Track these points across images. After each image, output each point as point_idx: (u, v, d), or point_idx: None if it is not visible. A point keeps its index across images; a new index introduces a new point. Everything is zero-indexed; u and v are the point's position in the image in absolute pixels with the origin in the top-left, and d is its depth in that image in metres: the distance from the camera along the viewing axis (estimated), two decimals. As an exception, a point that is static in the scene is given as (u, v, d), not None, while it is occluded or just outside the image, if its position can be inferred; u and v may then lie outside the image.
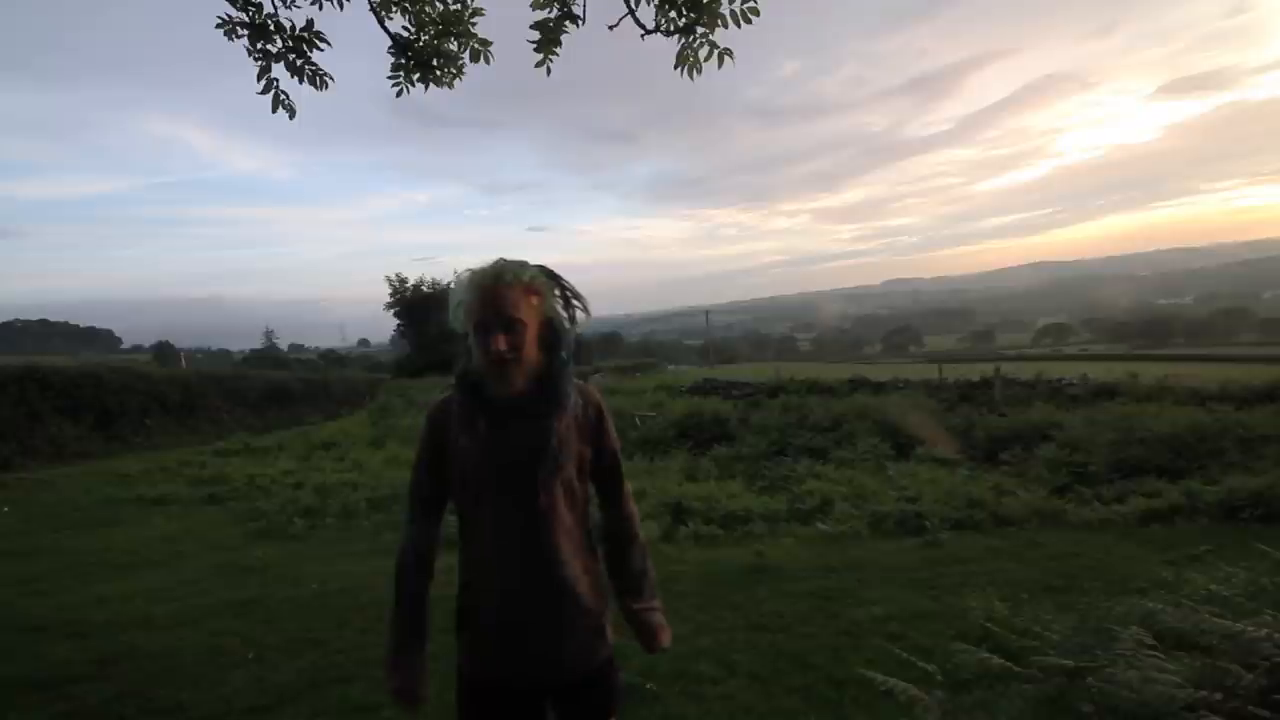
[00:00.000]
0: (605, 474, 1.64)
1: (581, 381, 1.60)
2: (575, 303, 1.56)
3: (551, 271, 1.55)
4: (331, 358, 59.82)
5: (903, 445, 9.31)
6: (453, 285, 1.55)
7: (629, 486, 1.71)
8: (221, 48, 3.20)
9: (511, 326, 1.45)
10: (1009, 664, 2.06)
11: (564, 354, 1.51)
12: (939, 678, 2.32)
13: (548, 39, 3.05)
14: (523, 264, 1.50)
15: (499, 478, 1.49)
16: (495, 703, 1.53)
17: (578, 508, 1.57)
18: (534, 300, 1.48)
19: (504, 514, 1.49)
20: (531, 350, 1.48)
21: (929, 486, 7.24)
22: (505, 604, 1.50)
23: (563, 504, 1.52)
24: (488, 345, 1.44)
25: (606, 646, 1.58)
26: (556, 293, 1.53)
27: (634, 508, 1.72)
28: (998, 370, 11.86)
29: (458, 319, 1.50)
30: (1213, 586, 2.38)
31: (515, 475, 1.48)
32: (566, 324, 1.54)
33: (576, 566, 1.53)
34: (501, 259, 1.50)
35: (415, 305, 26.74)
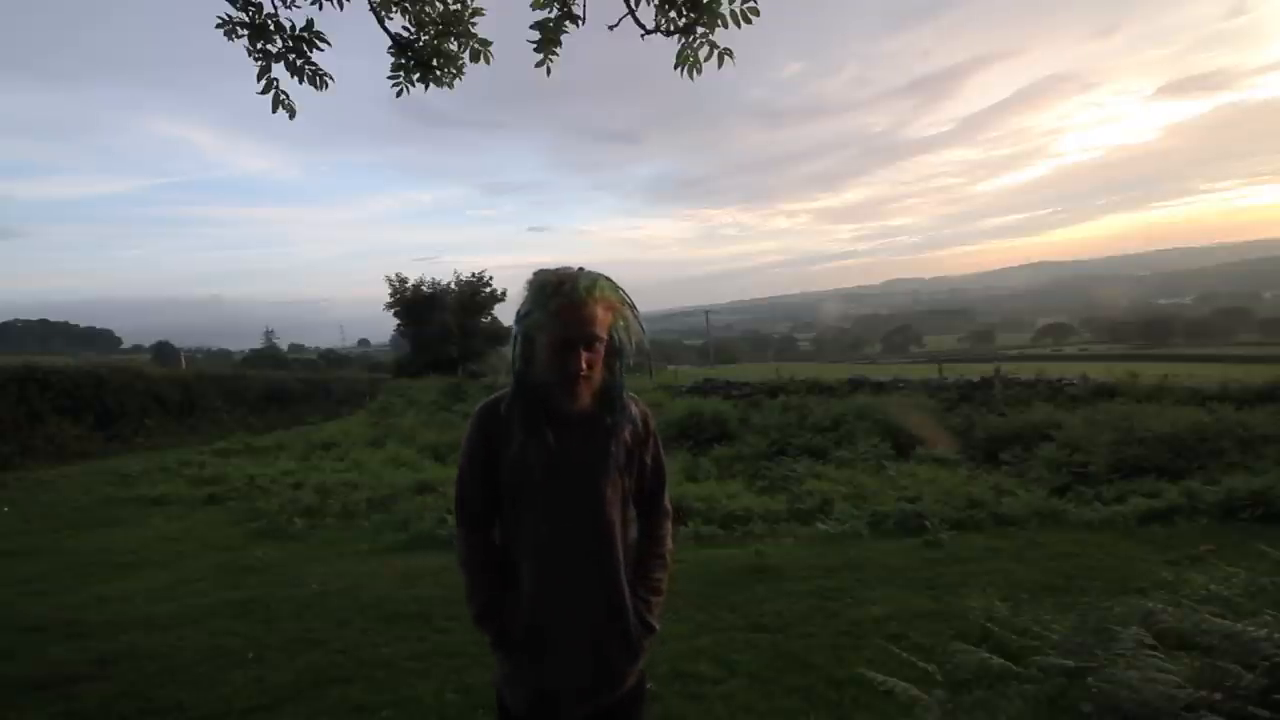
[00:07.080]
0: (650, 485, 1.61)
1: (633, 394, 1.57)
2: (635, 319, 1.52)
3: (615, 284, 1.50)
4: (331, 358, 59.76)
5: (903, 445, 9.32)
6: (525, 287, 1.49)
7: (669, 504, 1.68)
8: (224, 48, 3.19)
9: (593, 345, 1.42)
10: (1009, 664, 2.06)
11: (621, 369, 1.50)
12: (939, 678, 2.32)
13: (548, 39, 3.05)
14: (598, 276, 1.46)
15: (562, 489, 1.45)
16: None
17: (629, 522, 1.56)
18: (609, 317, 1.46)
19: (566, 526, 1.45)
20: (601, 366, 1.46)
21: (929, 486, 7.24)
22: (568, 618, 1.45)
23: (619, 517, 1.51)
24: (567, 361, 1.40)
25: (641, 658, 1.56)
26: (625, 308, 1.50)
27: (668, 528, 1.67)
28: (998, 370, 11.86)
29: (527, 321, 1.45)
30: (1213, 586, 2.38)
31: (578, 487, 1.46)
32: (625, 339, 1.50)
33: (627, 578, 1.52)
34: (581, 268, 1.46)
35: (415, 305, 26.67)
